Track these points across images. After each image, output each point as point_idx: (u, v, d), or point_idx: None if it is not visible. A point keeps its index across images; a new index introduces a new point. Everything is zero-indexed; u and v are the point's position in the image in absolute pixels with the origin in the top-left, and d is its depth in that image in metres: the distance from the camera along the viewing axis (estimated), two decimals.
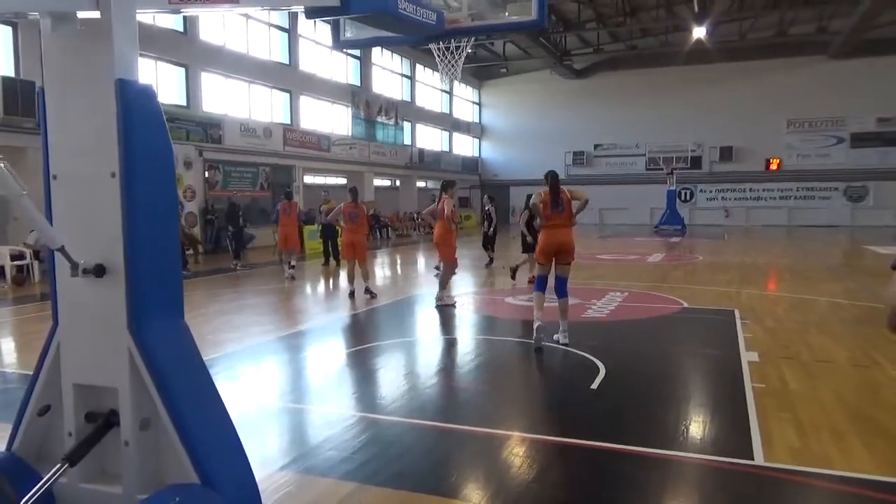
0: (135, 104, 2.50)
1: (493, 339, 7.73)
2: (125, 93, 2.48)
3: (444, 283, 9.75)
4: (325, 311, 9.91)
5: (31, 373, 2.86)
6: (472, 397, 5.43)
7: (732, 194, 34.78)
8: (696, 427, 4.55)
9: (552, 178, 6.94)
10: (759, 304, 9.59)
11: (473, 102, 39.46)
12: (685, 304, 9.52)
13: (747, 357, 6.31)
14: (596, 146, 37.00)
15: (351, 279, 10.62)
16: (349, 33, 5.82)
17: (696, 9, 26.55)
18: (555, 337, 6.88)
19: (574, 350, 6.65)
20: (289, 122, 23.43)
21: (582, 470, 3.88)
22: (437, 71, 8.49)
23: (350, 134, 26.62)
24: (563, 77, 35.91)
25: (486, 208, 15.42)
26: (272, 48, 22.48)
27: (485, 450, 4.20)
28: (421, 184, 32.81)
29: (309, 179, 24.36)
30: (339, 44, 6.28)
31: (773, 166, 33.82)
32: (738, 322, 8.04)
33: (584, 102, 36.44)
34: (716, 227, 32.89)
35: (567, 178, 36.91)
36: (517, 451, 4.11)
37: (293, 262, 13.45)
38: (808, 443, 4.13)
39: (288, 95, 23.45)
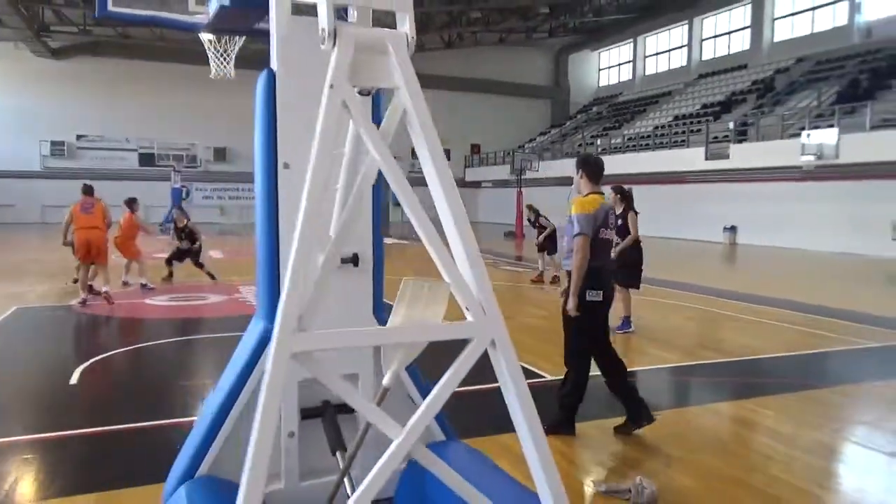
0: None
1: None
2: None
3: None
4: None
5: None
6: None
7: (227, 193, 36.55)
8: None
9: None
10: None
11: None
12: None
13: None
14: (79, 137, 33.45)
15: None
16: (120, 5, 5.20)
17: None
18: None
19: None
20: None
21: None
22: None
23: None
24: (35, 55, 31.17)
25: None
26: None
27: None
28: None
29: None
30: (106, 12, 5.44)
31: None
32: None
33: (64, 87, 32.43)
34: (213, 224, 34.07)
35: (45, 170, 32.43)
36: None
37: None
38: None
39: None
